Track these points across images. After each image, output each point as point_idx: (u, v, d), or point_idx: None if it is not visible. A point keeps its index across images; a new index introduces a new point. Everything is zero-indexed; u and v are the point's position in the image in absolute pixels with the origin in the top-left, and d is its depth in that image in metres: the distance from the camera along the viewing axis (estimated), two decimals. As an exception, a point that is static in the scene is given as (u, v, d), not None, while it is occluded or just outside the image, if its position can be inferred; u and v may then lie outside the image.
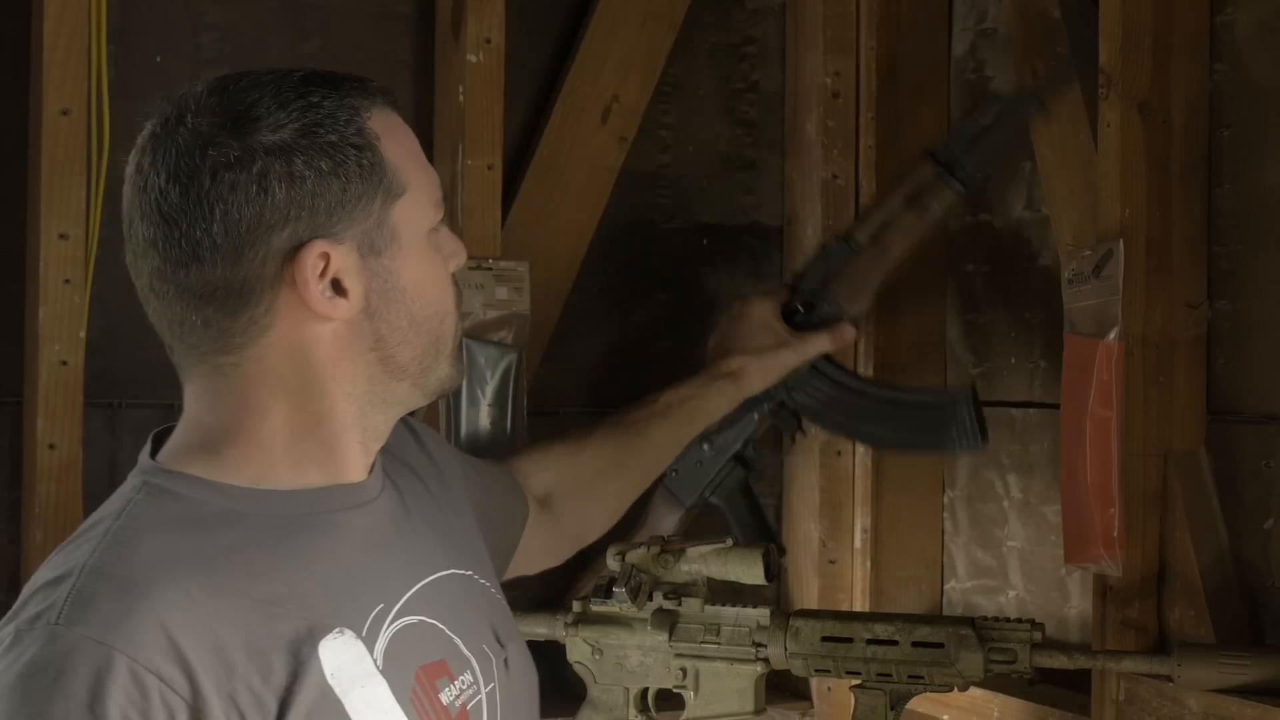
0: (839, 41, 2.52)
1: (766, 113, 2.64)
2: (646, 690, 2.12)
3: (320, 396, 1.36)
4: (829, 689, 2.49)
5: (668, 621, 2.07)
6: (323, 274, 1.31)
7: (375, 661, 1.32)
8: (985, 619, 2.00)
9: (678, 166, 2.59)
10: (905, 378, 2.52)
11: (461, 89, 2.35)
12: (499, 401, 2.30)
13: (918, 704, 2.21)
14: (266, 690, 1.24)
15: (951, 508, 2.50)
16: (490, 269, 2.31)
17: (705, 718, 2.12)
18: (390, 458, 1.51)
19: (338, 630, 1.30)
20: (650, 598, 2.07)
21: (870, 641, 1.98)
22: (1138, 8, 2.00)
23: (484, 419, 2.29)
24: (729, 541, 2.09)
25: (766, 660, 2.07)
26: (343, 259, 1.31)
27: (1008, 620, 1.98)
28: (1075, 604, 2.25)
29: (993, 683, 2.12)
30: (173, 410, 2.28)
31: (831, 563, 2.53)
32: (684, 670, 2.10)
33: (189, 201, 1.27)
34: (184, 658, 1.20)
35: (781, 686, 2.43)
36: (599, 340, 2.55)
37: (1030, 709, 2.22)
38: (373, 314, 1.34)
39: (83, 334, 2.16)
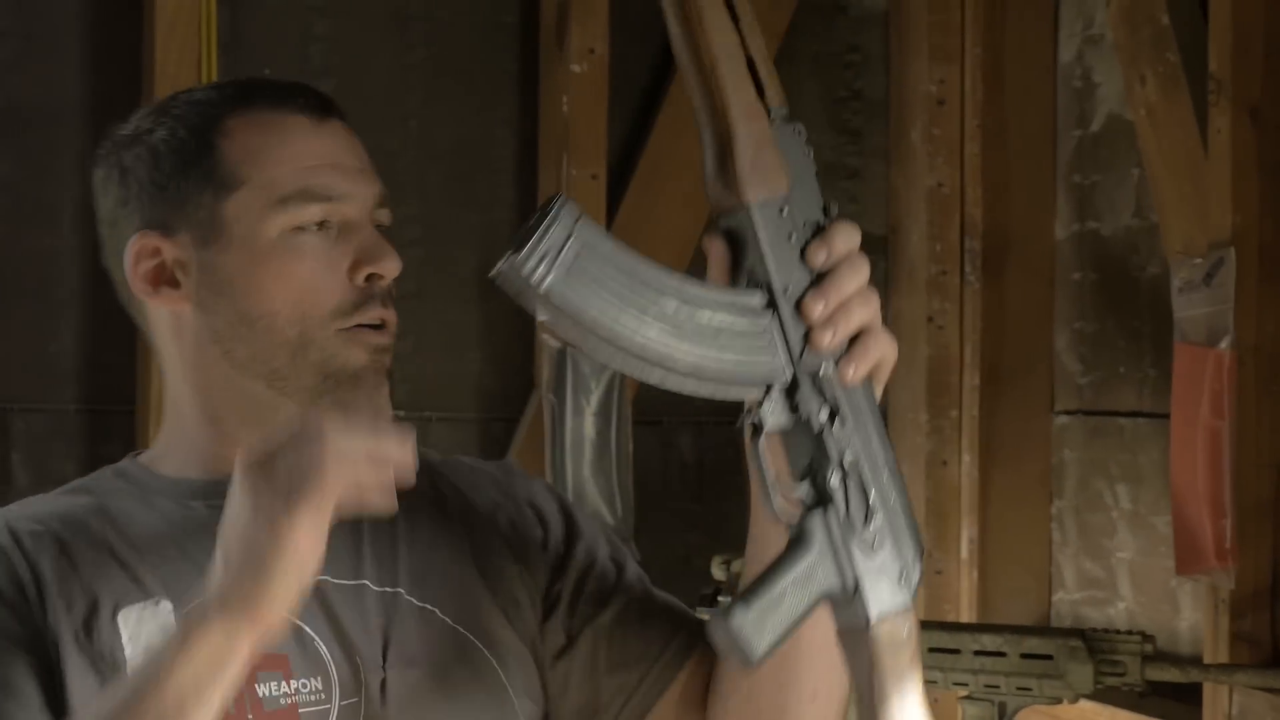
0: (944, 49, 2.52)
1: (870, 120, 2.64)
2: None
3: (180, 387, 1.35)
4: (936, 700, 2.48)
5: (771, 630, 2.09)
6: (155, 266, 1.30)
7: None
8: (1095, 630, 2.00)
9: (781, 174, 2.56)
10: (1011, 388, 2.52)
11: (565, 99, 2.37)
12: (603, 411, 2.32)
13: (1026, 716, 2.23)
14: (69, 618, 1.28)
15: (1059, 518, 2.49)
16: (595, 279, 2.30)
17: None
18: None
19: (155, 600, 1.31)
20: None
21: (978, 653, 1.98)
22: (1249, 12, 1.99)
23: (588, 428, 2.31)
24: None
25: (871, 673, 2.09)
26: (176, 251, 1.29)
27: (1118, 632, 1.98)
28: (1186, 616, 2.24)
29: (1103, 695, 2.12)
30: None
31: (938, 573, 2.53)
32: (788, 680, 2.13)
33: None
34: (23, 547, 1.29)
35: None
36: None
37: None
38: (203, 307, 1.31)
39: None
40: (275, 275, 1.30)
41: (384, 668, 1.31)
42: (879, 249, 2.60)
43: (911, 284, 2.55)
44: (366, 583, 1.35)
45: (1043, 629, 2.33)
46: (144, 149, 1.30)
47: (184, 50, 2.20)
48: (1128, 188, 2.34)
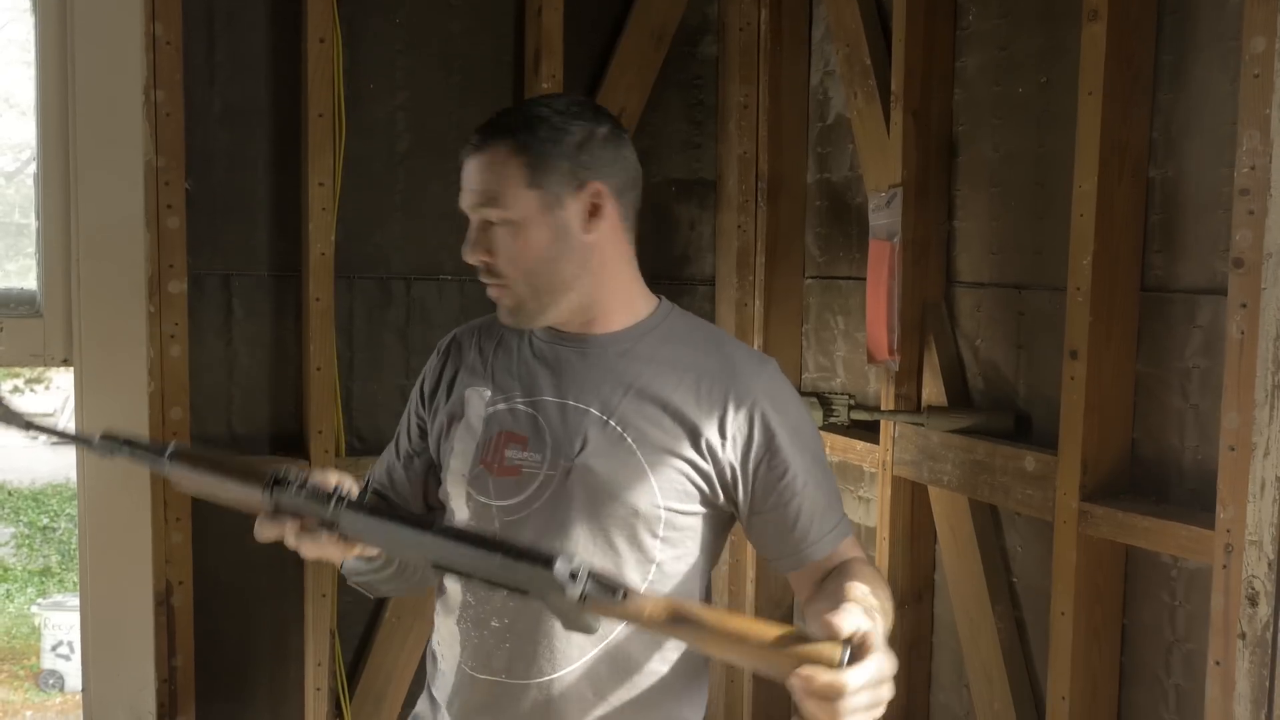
0: (747, 77, 2.44)
1: (708, 117, 2.52)
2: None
3: None
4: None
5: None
6: None
7: (486, 412, 1.28)
8: (823, 394, 2.11)
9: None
10: (783, 262, 2.47)
11: None
12: None
13: None
14: (445, 387, 1.34)
15: (806, 335, 2.48)
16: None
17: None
18: (669, 349, 1.26)
19: (482, 388, 1.30)
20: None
21: None
22: (913, 57, 2.02)
23: None
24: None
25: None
26: None
27: (836, 394, 2.09)
28: (873, 385, 2.26)
29: (825, 429, 2.21)
30: (383, 281, 2.34)
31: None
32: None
33: None
34: (452, 348, 1.36)
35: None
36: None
37: (848, 440, 2.25)
38: None
39: (333, 237, 2.18)
40: None
41: (574, 458, 1.22)
42: (710, 188, 2.53)
43: (728, 208, 2.52)
44: (592, 409, 1.24)
45: (806, 391, 2.34)
46: None
47: (322, 72, 2.15)
48: (846, 154, 2.34)
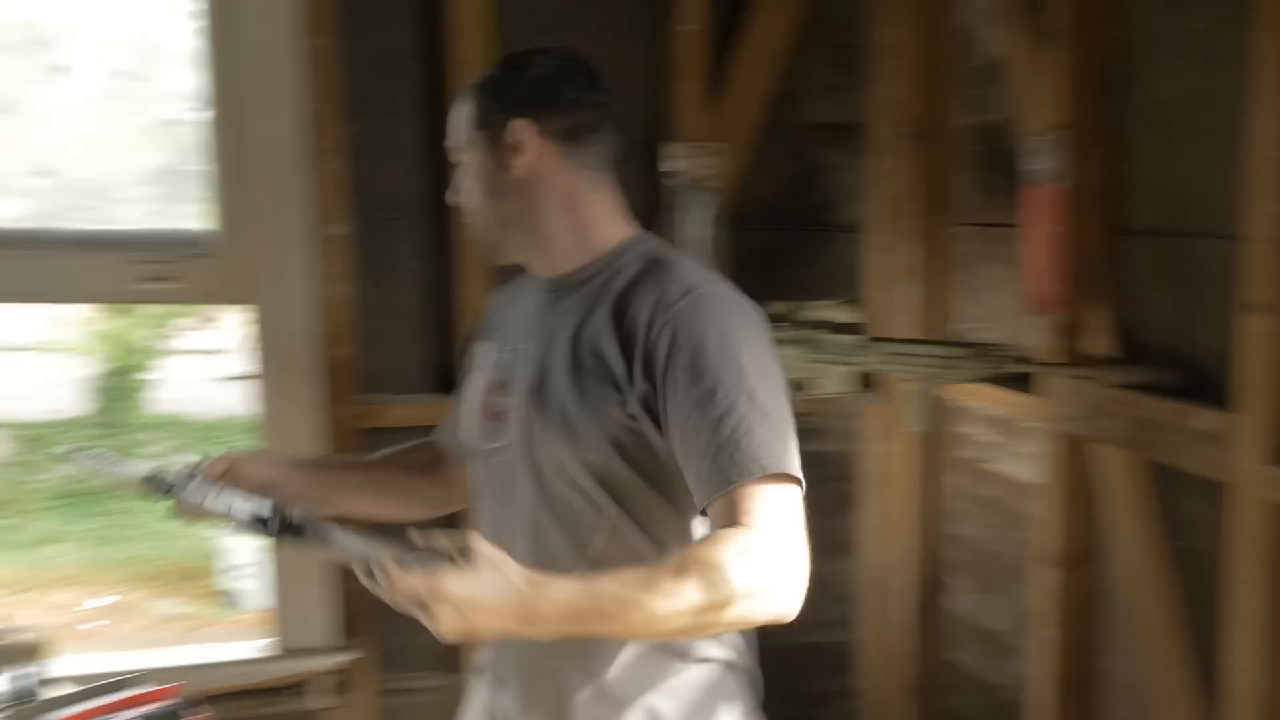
0: (896, 16, 2.40)
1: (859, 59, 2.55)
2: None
3: None
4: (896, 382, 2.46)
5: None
6: None
7: (492, 358, 1.37)
8: (984, 344, 2.04)
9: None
10: (939, 209, 2.46)
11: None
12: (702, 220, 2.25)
13: (945, 390, 2.27)
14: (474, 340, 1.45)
15: (962, 284, 2.40)
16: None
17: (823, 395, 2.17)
18: (615, 283, 1.26)
19: (491, 343, 1.40)
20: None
21: (917, 355, 2.01)
22: None
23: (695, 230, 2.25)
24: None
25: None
26: None
27: (996, 344, 2.02)
28: (1029, 338, 2.14)
29: (986, 379, 2.13)
30: None
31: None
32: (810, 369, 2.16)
33: None
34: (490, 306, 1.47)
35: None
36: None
37: (1006, 394, 2.19)
38: None
39: None
40: None
41: (528, 397, 1.27)
42: (857, 132, 2.43)
43: (876, 152, 2.45)
44: (540, 349, 1.29)
45: (952, 341, 2.28)
46: None
47: (471, 17, 2.17)
48: (1000, 97, 2.20)
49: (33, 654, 1.77)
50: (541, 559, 1.18)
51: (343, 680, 2.25)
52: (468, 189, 1.30)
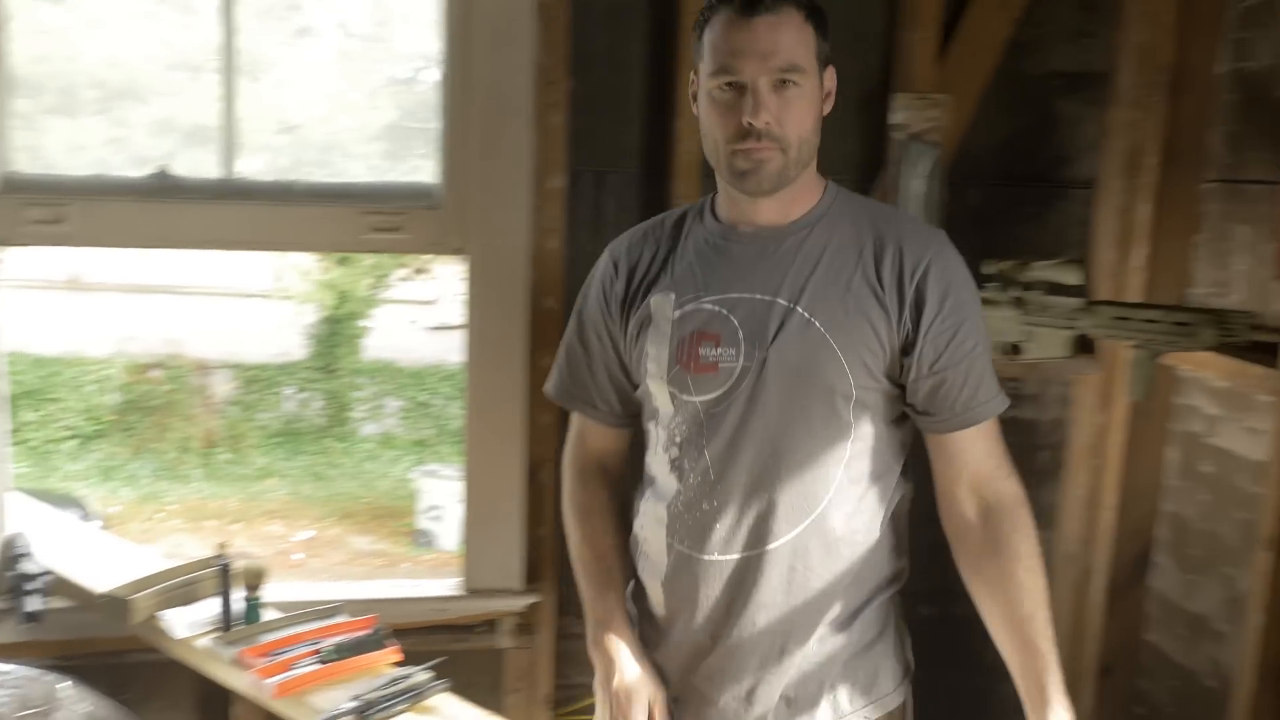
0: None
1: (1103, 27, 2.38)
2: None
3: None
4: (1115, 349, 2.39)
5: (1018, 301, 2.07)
6: (693, 89, 1.37)
7: (675, 314, 1.38)
8: (1221, 310, 1.94)
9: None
10: (1190, 164, 2.31)
11: None
12: (931, 175, 2.22)
13: (1171, 357, 2.16)
14: (638, 295, 1.44)
15: (1205, 245, 2.28)
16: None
17: (1039, 359, 2.14)
18: (842, 231, 1.38)
19: (668, 292, 1.40)
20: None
21: (1144, 320, 1.93)
22: None
23: (917, 186, 2.21)
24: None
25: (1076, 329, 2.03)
26: (694, 84, 1.37)
27: (1235, 311, 1.92)
28: (1278, 305, 2.06)
29: (1220, 349, 2.00)
30: None
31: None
32: (1027, 331, 2.13)
33: None
34: (631, 255, 1.46)
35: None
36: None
37: (1242, 364, 2.06)
38: (699, 119, 1.37)
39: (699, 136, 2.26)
40: (708, 112, 1.33)
41: (769, 348, 1.34)
42: (1101, 81, 2.34)
43: (1121, 103, 2.34)
44: (780, 299, 1.35)
45: (1186, 307, 2.16)
46: (700, 20, 1.36)
47: None
48: (1271, 40, 2.10)
49: (256, 579, 1.94)
50: (786, 476, 1.35)
51: (524, 622, 2.33)
52: (798, 115, 1.30)
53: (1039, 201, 2.39)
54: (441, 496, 8.43)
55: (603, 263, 1.50)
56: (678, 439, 1.40)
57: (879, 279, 1.34)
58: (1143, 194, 2.30)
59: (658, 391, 1.41)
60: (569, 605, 2.37)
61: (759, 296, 1.35)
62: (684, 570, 1.41)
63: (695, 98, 1.37)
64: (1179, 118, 2.25)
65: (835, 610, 1.39)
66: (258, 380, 10.66)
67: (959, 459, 1.37)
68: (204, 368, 10.52)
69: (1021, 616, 1.31)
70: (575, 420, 1.58)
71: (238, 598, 1.94)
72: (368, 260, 10.29)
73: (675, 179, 2.24)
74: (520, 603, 2.32)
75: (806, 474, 1.35)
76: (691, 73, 1.37)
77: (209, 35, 2.18)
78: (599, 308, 1.48)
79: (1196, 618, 2.28)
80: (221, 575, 1.94)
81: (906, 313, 1.33)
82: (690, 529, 1.40)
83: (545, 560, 2.34)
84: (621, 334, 1.45)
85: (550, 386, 1.57)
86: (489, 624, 2.34)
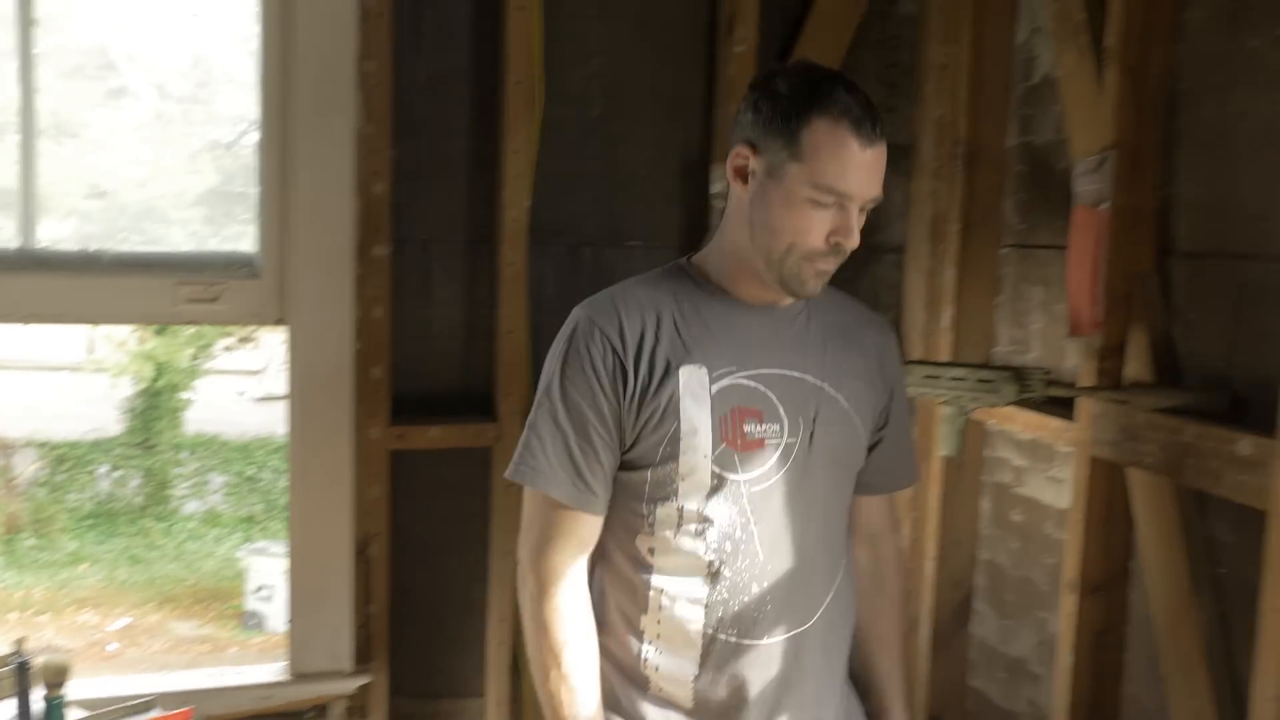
0: (948, 36, 2.39)
1: (904, 77, 2.48)
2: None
3: (735, 233, 1.36)
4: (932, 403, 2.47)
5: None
6: (741, 164, 1.33)
7: (713, 389, 1.32)
8: (1019, 367, 2.01)
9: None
10: (980, 231, 2.41)
11: (730, 67, 2.31)
12: None
13: (978, 413, 2.26)
14: (642, 366, 1.33)
15: (999, 307, 2.42)
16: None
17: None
18: (837, 312, 1.45)
19: (699, 365, 1.33)
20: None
21: (952, 379, 1.99)
22: (1130, 10, 1.94)
23: None
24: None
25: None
26: (754, 164, 1.32)
27: (1033, 368, 2.00)
28: (1069, 361, 2.20)
29: (1020, 403, 2.07)
30: (574, 247, 2.39)
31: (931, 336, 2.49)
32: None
33: None
34: (621, 325, 1.34)
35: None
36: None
37: (1042, 418, 2.19)
38: (753, 202, 1.33)
39: (527, 204, 2.24)
40: (793, 216, 1.30)
41: (814, 424, 1.37)
42: (904, 153, 2.45)
43: (923, 174, 2.46)
44: (808, 377, 1.38)
45: (989, 364, 2.31)
46: (770, 99, 1.31)
47: (521, 43, 2.20)
48: (1051, 117, 2.25)
49: (58, 676, 1.80)
50: (822, 550, 1.41)
51: (356, 705, 2.26)
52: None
53: (854, 266, 2.39)
54: (272, 575, 8.09)
55: (593, 339, 1.35)
56: (716, 519, 1.35)
57: (865, 359, 1.44)
58: (947, 259, 2.43)
59: (697, 469, 1.33)
60: (402, 684, 2.32)
61: (793, 373, 1.37)
62: (731, 659, 1.37)
63: (745, 174, 1.33)
64: (976, 187, 2.39)
65: (845, 667, 1.51)
66: (67, 459, 10.03)
67: (863, 515, 1.55)
68: (6, 446, 9.82)
69: (894, 649, 1.56)
70: (564, 521, 1.36)
71: (37, 698, 1.80)
72: (189, 329, 9.88)
73: (503, 246, 2.25)
74: (351, 685, 2.25)
75: (834, 543, 1.44)
76: (744, 147, 1.32)
77: (7, 95, 2.08)
78: (596, 388, 1.33)
79: (1015, 661, 2.37)
80: (19, 674, 1.80)
81: (884, 391, 1.47)
82: (739, 615, 1.36)
83: (377, 639, 2.27)
84: (630, 412, 1.34)
85: (564, 495, 1.35)
86: (318, 709, 2.25)
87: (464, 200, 2.30)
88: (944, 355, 2.44)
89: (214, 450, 10.27)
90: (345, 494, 2.22)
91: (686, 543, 1.35)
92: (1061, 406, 2.13)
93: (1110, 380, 2.01)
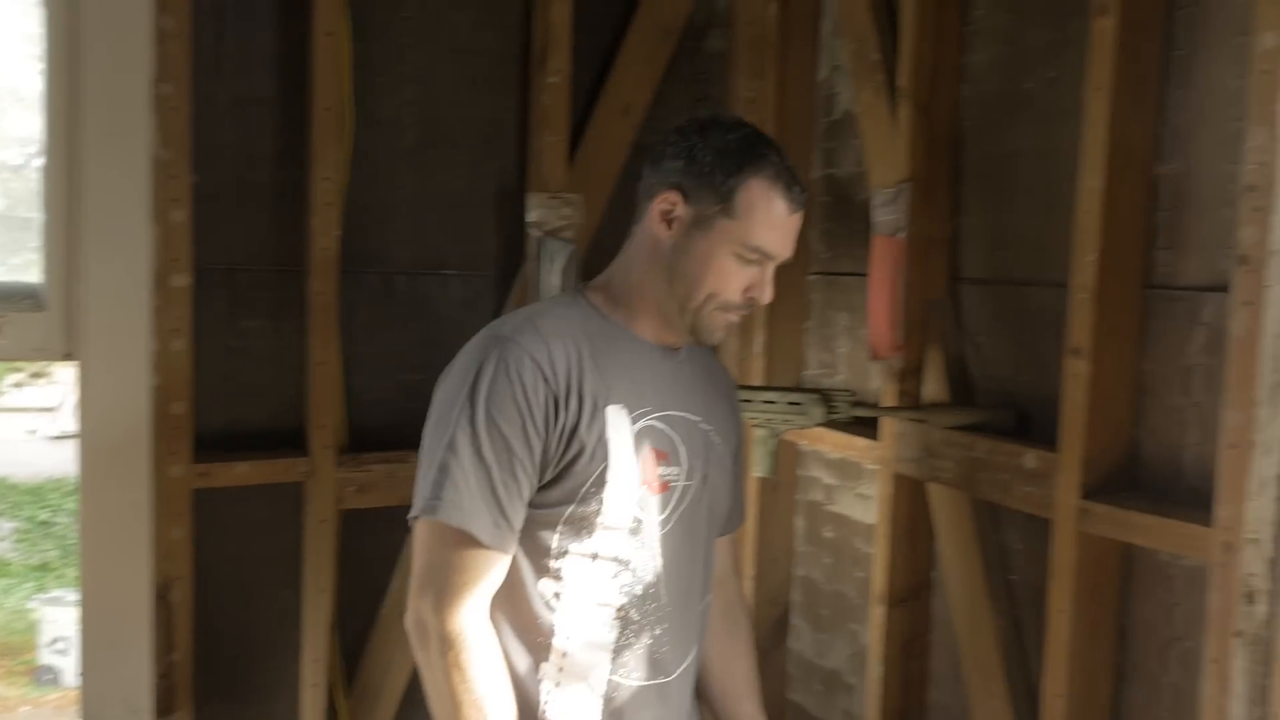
0: (755, 72, 2.47)
1: (715, 109, 2.62)
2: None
3: (646, 274, 1.36)
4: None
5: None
6: (666, 209, 1.33)
7: (633, 429, 1.32)
8: (826, 389, 2.09)
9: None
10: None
11: (545, 97, 2.32)
12: (565, 272, 2.28)
13: (789, 434, 2.33)
14: (572, 401, 1.29)
15: (807, 332, 2.51)
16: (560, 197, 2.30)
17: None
18: (702, 357, 1.49)
19: (621, 405, 1.32)
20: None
21: (764, 402, 2.04)
22: (919, 52, 2.04)
23: (555, 281, 2.27)
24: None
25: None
26: (681, 211, 1.32)
27: (838, 390, 2.08)
28: (873, 382, 2.28)
29: (828, 424, 2.16)
30: (386, 276, 2.36)
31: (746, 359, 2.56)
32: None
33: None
34: (551, 355, 1.29)
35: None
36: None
37: (849, 437, 2.27)
38: (675, 249, 1.33)
39: (337, 232, 2.18)
40: (715, 268, 1.31)
41: (706, 466, 1.42)
42: None
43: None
44: (699, 420, 1.42)
45: (798, 388, 2.30)
46: (705, 148, 1.31)
47: (332, 67, 2.16)
48: (852, 150, 2.35)
49: None
50: (702, 592, 1.46)
51: (155, 762, 2.13)
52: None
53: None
54: (68, 626, 7.56)
55: (524, 367, 1.27)
56: (631, 562, 1.34)
57: (727, 401, 1.51)
58: (758, 286, 2.49)
59: (620, 511, 1.31)
60: (210, 736, 2.21)
61: (690, 416, 1.40)
62: (631, 702, 1.37)
63: (670, 220, 1.33)
64: (784, 217, 2.46)
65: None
66: None
67: (715, 557, 1.53)
68: None
69: (756, 692, 1.59)
70: (478, 563, 1.26)
71: None
72: (-27, 365, 9.18)
73: (312, 275, 2.19)
74: (150, 740, 2.12)
75: (708, 584, 1.49)
76: (674, 193, 1.32)
77: None
78: (526, 420, 1.26)
79: (830, 673, 2.45)
80: None
81: (737, 432, 1.52)
82: (642, 658, 1.37)
83: (180, 688, 2.15)
84: (557, 448, 1.28)
85: (486, 535, 1.26)
86: (114, 768, 2.10)
87: (271, 228, 2.23)
88: (757, 379, 2.51)
89: (2, 493, 9.55)
90: (143, 536, 2.10)
91: (598, 585, 1.33)
92: (867, 426, 2.22)
93: (910, 400, 2.10)
